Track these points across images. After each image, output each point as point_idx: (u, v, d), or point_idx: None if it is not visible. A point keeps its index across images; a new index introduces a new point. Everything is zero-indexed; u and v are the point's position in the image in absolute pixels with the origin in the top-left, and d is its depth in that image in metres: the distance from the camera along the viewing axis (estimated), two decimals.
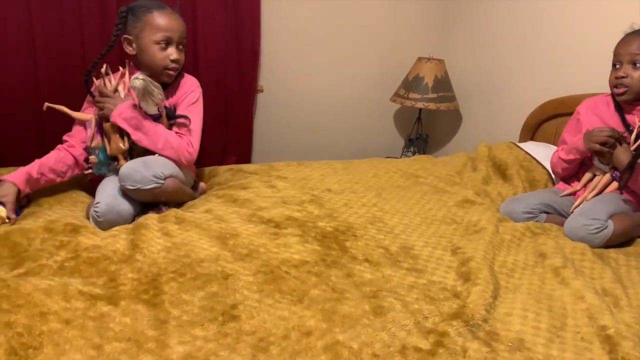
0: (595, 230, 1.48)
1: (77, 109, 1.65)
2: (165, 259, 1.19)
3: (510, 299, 1.16)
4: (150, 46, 1.58)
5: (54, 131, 1.70)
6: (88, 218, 1.48)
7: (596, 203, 1.59)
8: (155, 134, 1.57)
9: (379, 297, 1.12)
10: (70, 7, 2.08)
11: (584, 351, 1.00)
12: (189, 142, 1.63)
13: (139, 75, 1.52)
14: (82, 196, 1.64)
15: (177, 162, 1.60)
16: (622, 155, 1.57)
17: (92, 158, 1.59)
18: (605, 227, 1.49)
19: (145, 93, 1.52)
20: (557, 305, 1.15)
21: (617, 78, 1.60)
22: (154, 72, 1.60)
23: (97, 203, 1.44)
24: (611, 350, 0.99)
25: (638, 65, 1.56)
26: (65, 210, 1.49)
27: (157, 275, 1.13)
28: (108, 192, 1.48)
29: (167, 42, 1.59)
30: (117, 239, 1.26)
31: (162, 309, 1.02)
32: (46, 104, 1.59)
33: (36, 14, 2.03)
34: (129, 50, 1.61)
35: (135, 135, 1.55)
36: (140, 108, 1.56)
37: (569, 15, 2.24)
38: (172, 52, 1.60)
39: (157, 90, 1.55)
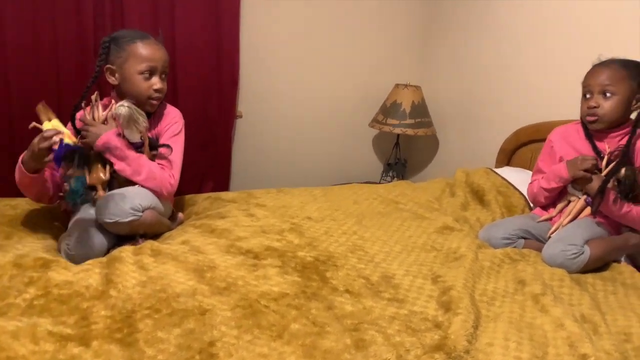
0: (573, 256, 1.50)
1: None
2: (140, 294, 1.15)
3: (492, 328, 1.16)
4: (134, 76, 1.57)
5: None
6: (60, 251, 1.43)
7: (572, 229, 1.61)
8: (139, 165, 1.54)
9: (360, 330, 1.10)
10: (46, 33, 2.06)
11: None
12: (171, 174, 1.62)
13: (124, 102, 1.51)
14: (54, 228, 1.59)
15: (158, 194, 1.58)
16: (594, 180, 1.61)
17: (65, 186, 1.56)
18: (582, 253, 1.51)
19: (130, 120, 1.51)
20: (538, 333, 1.15)
21: (589, 108, 1.64)
22: (138, 102, 1.59)
23: (69, 235, 1.40)
24: None
25: (608, 95, 1.60)
26: (36, 244, 1.44)
27: (132, 312, 1.09)
28: (81, 224, 1.44)
29: (151, 72, 1.58)
30: (90, 274, 1.22)
31: (137, 348, 0.99)
32: (33, 123, 1.54)
33: (10, 42, 2.01)
34: (112, 80, 1.60)
35: (119, 165, 1.52)
36: (124, 136, 1.54)
37: (541, 45, 2.31)
38: (156, 82, 1.59)
39: (142, 119, 1.54)
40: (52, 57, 2.10)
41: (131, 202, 1.43)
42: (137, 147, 1.58)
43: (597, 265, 1.55)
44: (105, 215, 1.41)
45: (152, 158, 1.62)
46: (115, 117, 1.54)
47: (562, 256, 1.51)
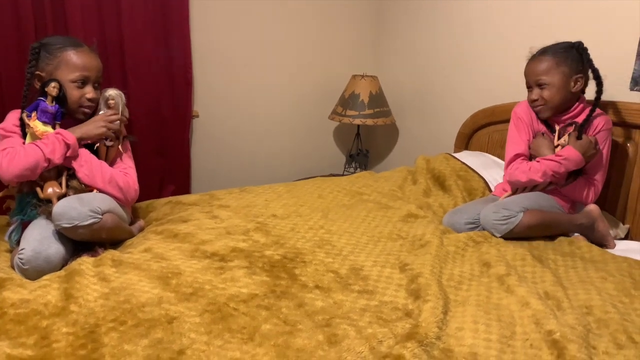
0: (503, 219, 1.60)
1: None
2: (103, 307, 1.11)
3: (461, 313, 1.17)
4: (66, 84, 1.53)
5: None
6: (13, 267, 1.37)
7: (516, 197, 1.71)
8: (102, 171, 1.53)
9: (332, 325, 1.10)
10: None
11: (534, 358, 1.02)
12: (134, 180, 1.61)
13: (109, 89, 1.61)
14: (5, 245, 1.52)
15: (122, 201, 1.56)
16: (545, 148, 1.72)
17: (11, 203, 1.51)
18: (514, 217, 1.59)
19: (122, 104, 1.61)
20: (505, 314, 1.17)
21: (531, 101, 1.76)
22: (68, 110, 1.56)
23: (22, 249, 1.33)
24: (559, 355, 1.02)
25: (544, 86, 1.71)
26: None
27: (95, 326, 1.05)
28: (34, 237, 1.38)
29: (84, 81, 1.56)
30: (48, 290, 1.17)
31: None
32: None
33: None
34: (38, 86, 1.55)
35: (81, 172, 1.50)
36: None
37: (493, 29, 2.35)
38: (89, 91, 1.57)
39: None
40: None
41: (89, 205, 1.39)
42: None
43: (531, 234, 1.63)
44: (63, 220, 1.35)
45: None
46: (106, 100, 1.60)
47: (492, 217, 1.61)
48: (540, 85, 1.71)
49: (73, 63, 1.53)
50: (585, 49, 1.68)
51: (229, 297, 1.18)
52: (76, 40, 1.59)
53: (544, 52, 1.73)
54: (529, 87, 1.77)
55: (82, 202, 1.40)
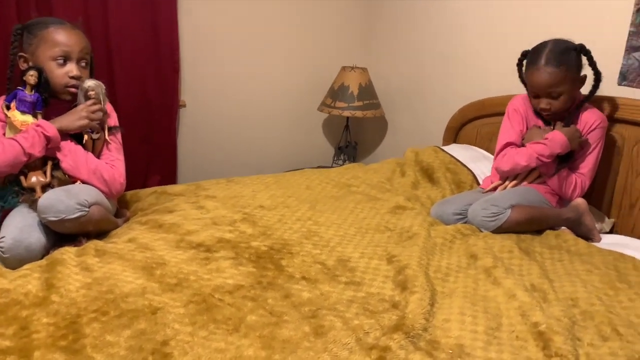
0: (492, 216, 1.59)
1: None
2: (85, 298, 1.09)
3: (447, 304, 1.17)
4: (47, 63, 1.49)
5: None
6: None
7: (505, 192, 1.71)
8: (87, 162, 1.50)
9: (318, 317, 1.09)
10: None
11: (520, 350, 1.02)
12: (120, 173, 1.57)
13: (87, 79, 1.51)
14: None
15: (107, 194, 1.53)
16: (537, 137, 1.72)
17: None
18: (502, 214, 1.58)
19: (103, 95, 1.53)
20: (491, 305, 1.17)
21: (541, 109, 1.72)
22: (54, 91, 1.51)
23: (2, 237, 1.31)
24: (545, 347, 1.02)
25: (555, 96, 1.67)
26: None
27: (77, 316, 1.03)
28: (15, 225, 1.35)
29: (66, 58, 1.50)
30: (29, 279, 1.15)
31: (84, 355, 0.93)
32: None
33: None
34: (24, 68, 1.51)
35: (66, 163, 1.47)
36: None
37: (483, 23, 2.35)
38: (72, 69, 1.51)
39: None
40: None
41: (76, 198, 1.36)
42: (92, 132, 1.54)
43: (520, 230, 1.62)
44: (50, 213, 1.32)
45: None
46: (85, 92, 1.51)
47: (480, 214, 1.60)
48: (552, 96, 1.67)
49: (52, 39, 1.48)
50: (589, 51, 1.65)
51: (214, 288, 1.16)
52: (59, 19, 1.54)
53: (547, 61, 1.63)
54: (537, 96, 1.70)
55: (69, 194, 1.36)
